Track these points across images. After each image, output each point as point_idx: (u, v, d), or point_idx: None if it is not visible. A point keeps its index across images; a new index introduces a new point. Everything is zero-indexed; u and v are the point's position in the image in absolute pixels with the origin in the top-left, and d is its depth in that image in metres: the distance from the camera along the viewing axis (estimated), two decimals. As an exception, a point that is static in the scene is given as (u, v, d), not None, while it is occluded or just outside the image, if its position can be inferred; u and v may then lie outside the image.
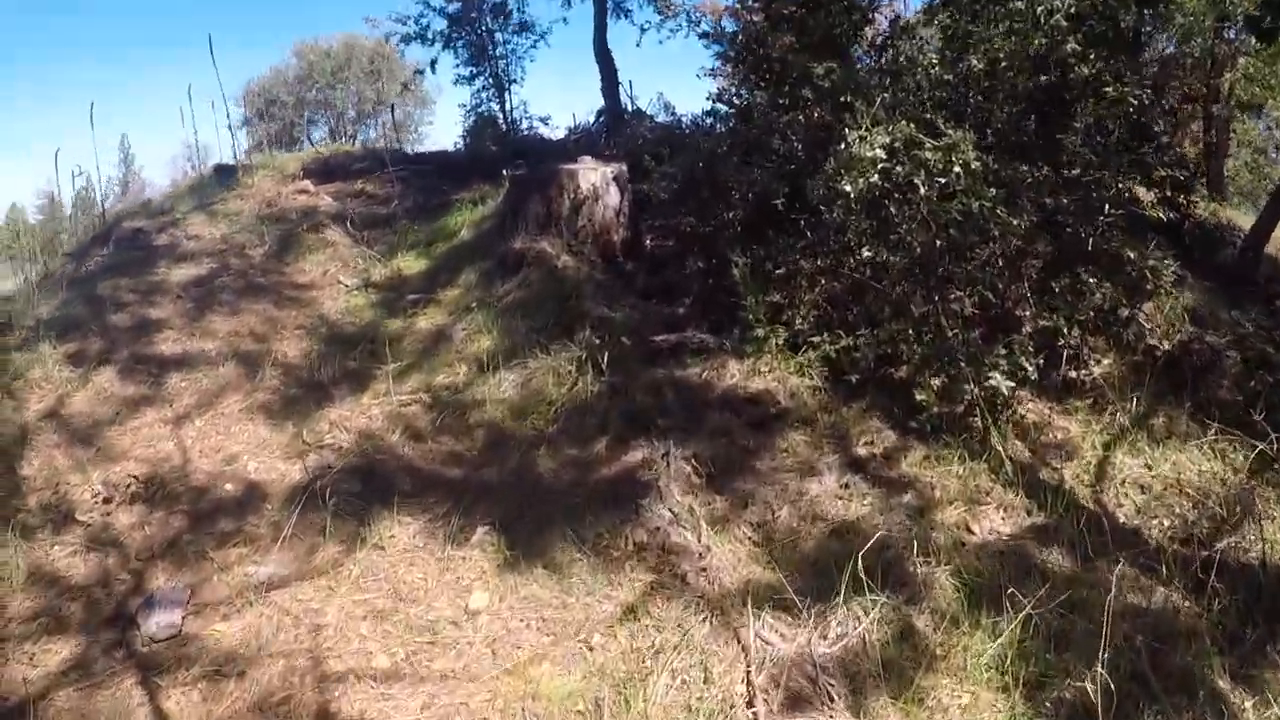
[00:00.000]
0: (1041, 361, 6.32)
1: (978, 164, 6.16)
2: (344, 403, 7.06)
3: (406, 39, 14.42)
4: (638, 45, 12.83)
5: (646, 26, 12.74)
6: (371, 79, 18.98)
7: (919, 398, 6.15)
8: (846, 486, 5.79)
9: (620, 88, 12.75)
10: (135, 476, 6.20)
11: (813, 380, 6.61)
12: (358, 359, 7.61)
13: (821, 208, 6.37)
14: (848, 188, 6.12)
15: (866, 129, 6.15)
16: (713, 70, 8.25)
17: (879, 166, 6.03)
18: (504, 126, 13.77)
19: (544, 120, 13.72)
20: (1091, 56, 6.80)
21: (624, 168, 8.47)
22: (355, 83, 20.08)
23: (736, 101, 7.82)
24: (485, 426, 6.48)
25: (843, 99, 6.68)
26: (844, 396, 6.53)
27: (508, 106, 14.43)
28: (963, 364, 6.04)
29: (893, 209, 6.34)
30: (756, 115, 7.35)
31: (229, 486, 6.21)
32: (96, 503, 6.02)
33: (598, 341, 6.83)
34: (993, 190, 6.25)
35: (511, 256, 8.07)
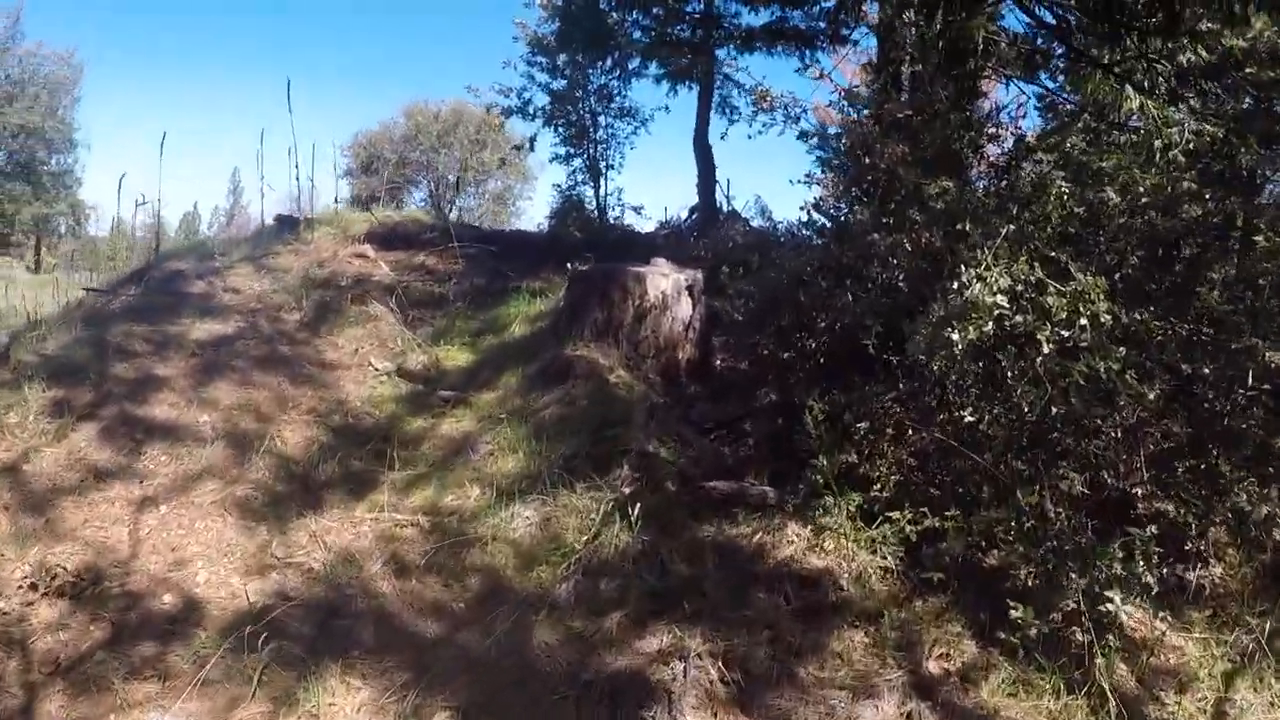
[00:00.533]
0: (1164, 570, 4.95)
1: (1108, 316, 4.92)
2: (333, 511, 6.12)
3: (508, 112, 13.96)
4: (723, 137, 11.79)
5: (735, 119, 11.88)
6: (476, 148, 18.62)
7: (1014, 614, 4.78)
8: (910, 717, 4.45)
9: (717, 185, 11.88)
10: (67, 567, 5.32)
11: (885, 560, 5.31)
12: (364, 458, 6.64)
13: (921, 356, 5.14)
14: (956, 336, 4.89)
15: (986, 266, 4.95)
16: (810, 176, 7.06)
17: (995, 314, 4.81)
18: (593, 212, 12.99)
19: (637, 210, 12.87)
20: (1206, 196, 5.61)
21: (699, 276, 7.42)
22: (459, 149, 19.77)
23: (834, 214, 6.68)
24: (483, 572, 5.37)
25: (958, 225, 5.49)
26: (920, 587, 5.20)
27: (602, 192, 13.69)
28: (1070, 567, 4.71)
29: (1006, 365, 5.11)
30: (854, 233, 6.20)
31: (168, 598, 5.29)
32: (21, 588, 5.17)
33: (637, 480, 5.69)
34: (1122, 349, 5.00)
35: (558, 364, 7.04)
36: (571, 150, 13.83)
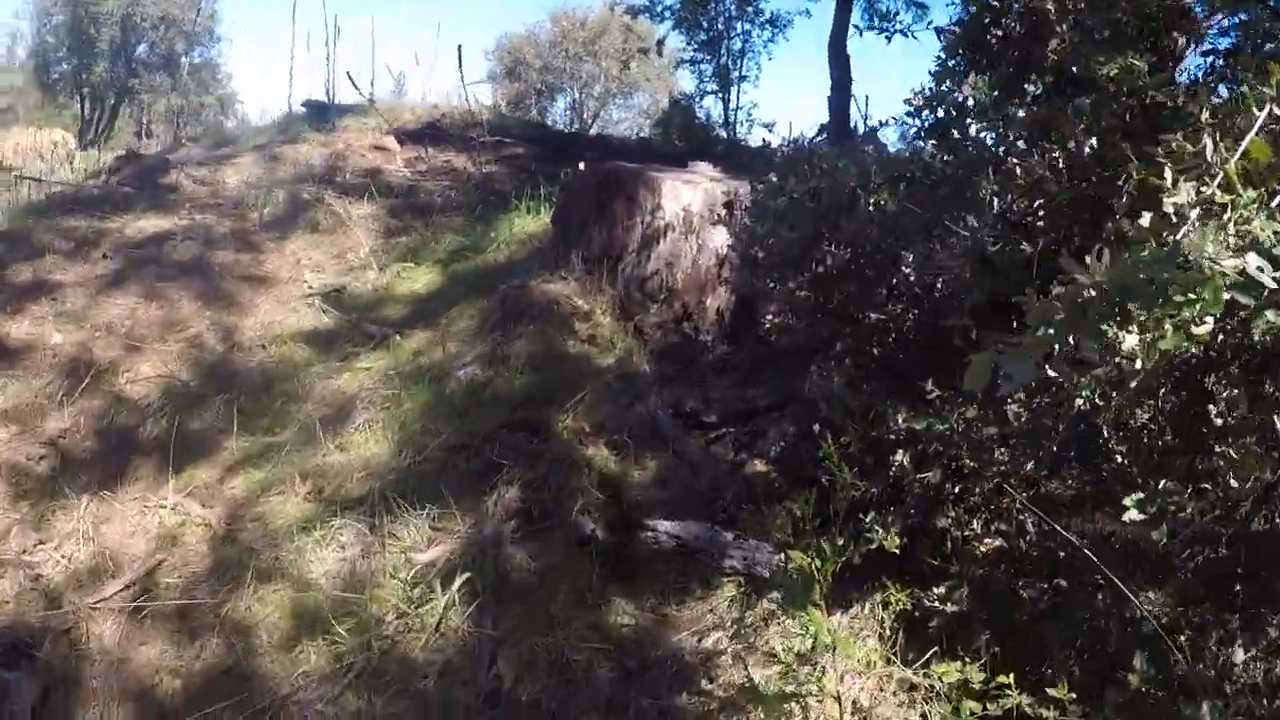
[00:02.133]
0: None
1: None
2: (130, 489, 4.35)
3: (633, 11, 11.78)
4: (860, 34, 8.85)
5: (883, 26, 8.94)
6: (640, 57, 16.44)
7: None
8: None
9: (853, 100, 9.10)
10: None
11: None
12: (214, 414, 4.74)
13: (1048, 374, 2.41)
14: (1133, 341, 2.14)
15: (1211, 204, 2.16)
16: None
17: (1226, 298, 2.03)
18: (705, 121, 10.63)
19: (767, 126, 10.46)
20: None
21: (744, 190, 4.87)
22: (604, 59, 17.65)
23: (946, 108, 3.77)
24: (233, 633, 3.27)
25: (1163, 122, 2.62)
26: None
27: (731, 104, 11.26)
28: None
29: (1227, 407, 2.41)
30: (968, 134, 3.40)
31: None
32: None
33: (526, 509, 3.40)
34: None
35: (511, 302, 4.78)
36: (700, 56, 11.52)
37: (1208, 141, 2.27)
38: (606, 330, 4.66)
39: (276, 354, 5.20)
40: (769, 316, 5.07)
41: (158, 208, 6.88)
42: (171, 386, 4.93)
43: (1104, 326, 2.11)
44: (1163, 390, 2.71)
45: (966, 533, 3.36)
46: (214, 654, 3.25)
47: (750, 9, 11.32)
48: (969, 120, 3.39)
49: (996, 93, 3.23)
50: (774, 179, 4.03)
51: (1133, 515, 2.42)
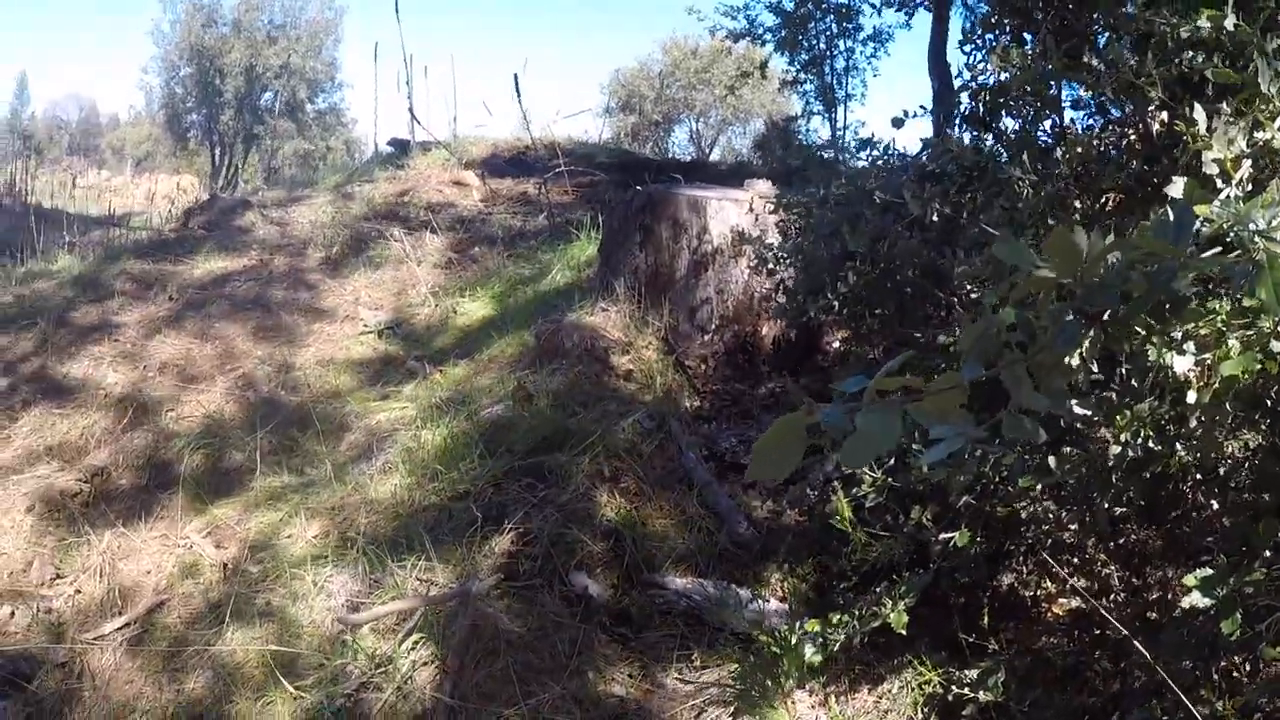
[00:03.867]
0: None
1: None
2: (157, 524, 4.41)
3: (734, 36, 11.72)
4: (960, 45, 8.32)
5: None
6: (741, 82, 16.39)
7: None
8: None
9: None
10: None
11: None
12: (251, 449, 4.76)
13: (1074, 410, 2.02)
14: (1183, 363, 1.75)
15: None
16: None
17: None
18: (805, 142, 10.40)
19: (870, 143, 9.99)
20: None
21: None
22: (718, 86, 17.58)
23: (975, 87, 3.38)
24: (222, 676, 3.25)
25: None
26: None
27: (839, 123, 11.00)
28: None
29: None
30: (999, 115, 3.05)
31: None
32: None
33: (516, 559, 3.22)
34: None
35: (545, 338, 4.63)
36: (804, 77, 11.32)
37: (1260, 64, 1.88)
38: (648, 364, 4.45)
39: (320, 391, 5.19)
40: (833, 344, 4.77)
41: (227, 248, 7.07)
42: (213, 424, 4.96)
43: (1157, 347, 1.76)
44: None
45: (1036, 593, 3.00)
46: (192, 695, 3.16)
47: (850, 26, 11.07)
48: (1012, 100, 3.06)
49: (1048, 64, 2.85)
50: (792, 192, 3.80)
51: (1195, 600, 2.04)
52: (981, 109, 3.16)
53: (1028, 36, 3.18)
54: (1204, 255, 1.08)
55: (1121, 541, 2.76)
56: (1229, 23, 1.99)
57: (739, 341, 4.71)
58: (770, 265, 3.74)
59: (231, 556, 3.94)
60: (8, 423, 5.06)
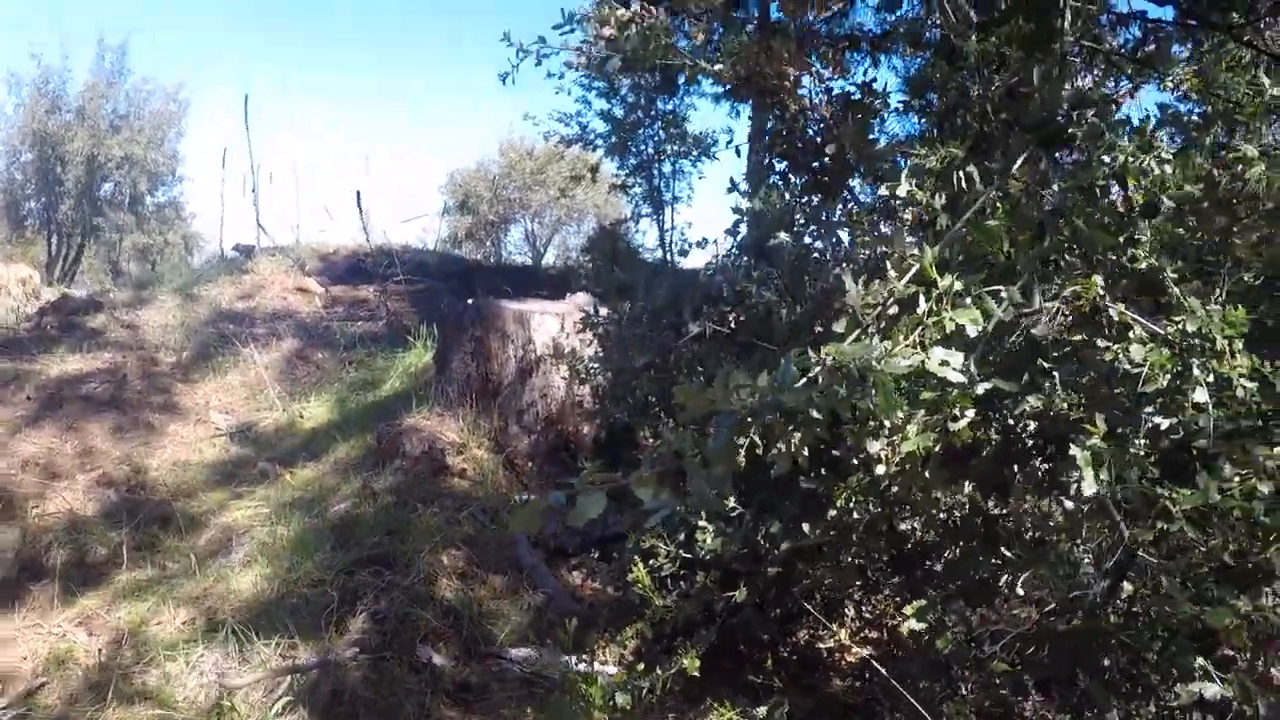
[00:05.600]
0: None
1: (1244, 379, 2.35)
2: (26, 615, 4.63)
3: (567, 141, 12.33)
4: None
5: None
6: (574, 185, 17.13)
7: None
8: None
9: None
10: None
11: None
12: (113, 546, 4.94)
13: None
14: (909, 446, 2.39)
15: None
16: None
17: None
18: (633, 245, 11.08)
19: (701, 244, 10.84)
20: None
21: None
22: (553, 188, 18.31)
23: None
24: None
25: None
26: None
27: (665, 225, 11.76)
28: None
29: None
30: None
31: None
32: None
33: (367, 641, 3.62)
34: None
35: (387, 439, 5.06)
36: (633, 181, 12.01)
37: (900, 229, 2.54)
38: (481, 463, 4.96)
39: (177, 490, 5.43)
40: (648, 440, 5.39)
41: (81, 349, 7.19)
42: (76, 520, 5.15)
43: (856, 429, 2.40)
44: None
45: (830, 644, 3.63)
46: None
47: (676, 131, 11.73)
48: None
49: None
50: (593, 309, 4.42)
51: (913, 625, 2.70)
52: (751, 239, 3.89)
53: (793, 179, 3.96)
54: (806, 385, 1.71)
55: (882, 591, 3.45)
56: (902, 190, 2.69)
57: (563, 440, 5.28)
58: (581, 375, 4.34)
59: (104, 642, 4.19)
60: None
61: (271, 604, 4.09)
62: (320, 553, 4.32)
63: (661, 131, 11.92)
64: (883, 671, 2.97)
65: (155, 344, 7.31)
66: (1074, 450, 2.04)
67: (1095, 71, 4.91)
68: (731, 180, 4.16)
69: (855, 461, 2.78)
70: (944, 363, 1.69)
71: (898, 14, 7.49)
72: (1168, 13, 3.90)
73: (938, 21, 4.34)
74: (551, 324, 5.28)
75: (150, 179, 21.69)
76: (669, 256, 11.28)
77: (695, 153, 12.06)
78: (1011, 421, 2.41)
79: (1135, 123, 2.66)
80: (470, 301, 5.82)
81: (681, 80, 11.07)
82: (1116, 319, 2.21)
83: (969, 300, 1.83)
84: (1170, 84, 4.14)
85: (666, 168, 12.19)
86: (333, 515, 4.62)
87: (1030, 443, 2.39)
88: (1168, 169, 2.37)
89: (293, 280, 8.42)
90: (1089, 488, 2.03)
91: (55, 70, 21.33)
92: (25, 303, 11.12)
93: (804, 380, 1.77)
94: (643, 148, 12.03)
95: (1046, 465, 2.35)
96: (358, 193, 8.56)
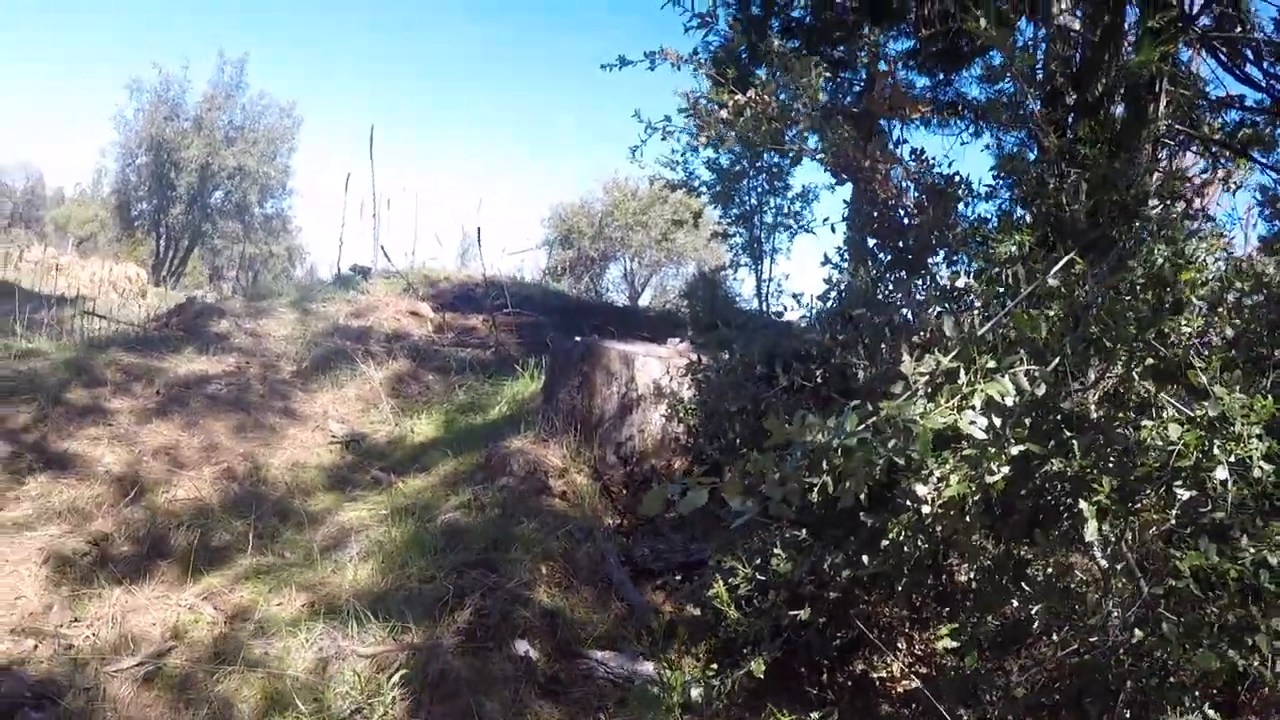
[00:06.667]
0: None
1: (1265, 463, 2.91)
2: (156, 586, 5.34)
3: (672, 186, 13.13)
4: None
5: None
6: (675, 229, 17.99)
7: None
8: None
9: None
10: None
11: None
12: (236, 533, 5.80)
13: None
14: (951, 491, 3.12)
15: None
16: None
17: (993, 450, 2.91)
18: (725, 294, 11.76)
19: (796, 297, 11.45)
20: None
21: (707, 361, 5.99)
22: (654, 229, 19.23)
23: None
24: (225, 707, 4.28)
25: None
26: None
27: (763, 276, 12.42)
28: None
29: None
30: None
31: None
32: None
33: (472, 633, 4.34)
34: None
35: (495, 458, 5.82)
36: (735, 231, 12.71)
37: (947, 321, 3.27)
38: (579, 488, 5.68)
39: (295, 488, 6.27)
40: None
41: (207, 351, 8.18)
42: (202, 507, 5.99)
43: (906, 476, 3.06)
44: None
45: (883, 674, 4.24)
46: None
47: (780, 184, 12.21)
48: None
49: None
50: (697, 357, 5.13)
51: (947, 643, 3.33)
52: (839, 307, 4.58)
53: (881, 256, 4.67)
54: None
55: (931, 629, 4.06)
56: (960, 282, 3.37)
57: (655, 473, 5.95)
58: (679, 415, 5.03)
59: (227, 615, 4.95)
60: (16, 486, 6.01)
61: (385, 594, 4.84)
62: (431, 553, 5.07)
63: (765, 183, 12.63)
64: (933, 700, 3.56)
65: (276, 352, 8.27)
66: (1081, 504, 2.67)
67: (1189, 153, 5.55)
68: (825, 255, 4.87)
69: (907, 502, 3.42)
70: (972, 423, 2.37)
71: (998, 87, 8.20)
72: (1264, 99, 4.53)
73: (1037, 96, 5.04)
74: (654, 366, 6.00)
75: (260, 190, 23.49)
76: (764, 306, 11.95)
77: (797, 206, 12.74)
78: (1040, 480, 3.04)
79: (1210, 215, 3.32)
80: (579, 339, 6.58)
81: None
82: (1149, 400, 2.83)
83: (1004, 376, 2.51)
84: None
85: (768, 218, 12.91)
86: (443, 522, 5.38)
87: (1054, 500, 3.01)
88: (1206, 272, 3.02)
89: (406, 304, 9.36)
90: (1090, 535, 2.64)
91: (175, 79, 23.40)
92: (133, 299, 12.37)
93: (861, 427, 2.51)
94: (745, 198, 12.76)
95: (1068, 520, 2.97)
96: (478, 229, 9.55)
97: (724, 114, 5.75)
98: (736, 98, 5.32)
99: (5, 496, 5.89)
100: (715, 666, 3.96)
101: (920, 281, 4.46)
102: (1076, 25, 5.11)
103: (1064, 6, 5.17)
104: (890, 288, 4.56)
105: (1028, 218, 4.25)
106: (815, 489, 2.49)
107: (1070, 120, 4.83)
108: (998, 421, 2.65)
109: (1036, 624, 3.29)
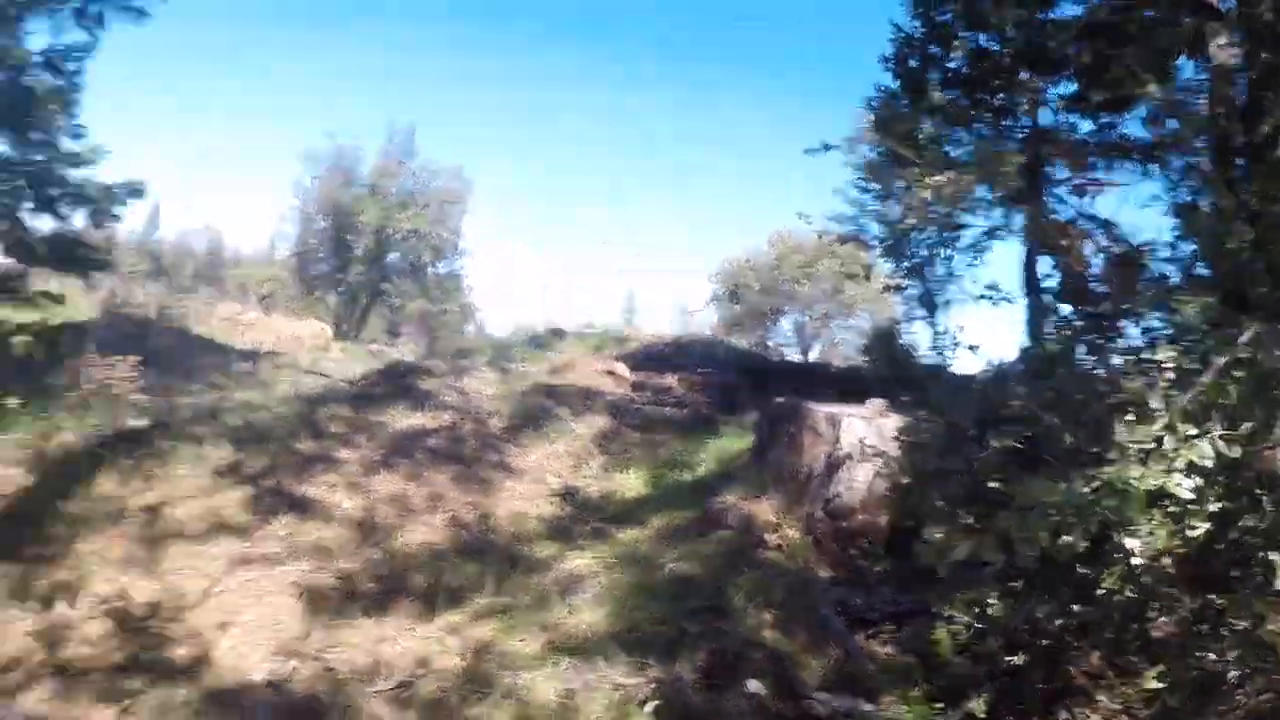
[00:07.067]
0: None
1: None
2: (399, 619, 5.99)
3: (843, 239, 13.57)
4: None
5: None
6: (842, 280, 18.35)
7: None
8: None
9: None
10: (135, 598, 5.80)
11: None
12: (469, 575, 6.44)
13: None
14: (1159, 544, 3.55)
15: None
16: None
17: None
18: (909, 347, 12.01)
19: (972, 349, 11.62)
20: None
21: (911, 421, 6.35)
22: (825, 281, 19.59)
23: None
24: None
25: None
26: None
27: (937, 328, 12.64)
28: None
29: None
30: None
31: (183, 650, 5.42)
32: (91, 602, 5.77)
33: (706, 674, 4.83)
34: None
35: (711, 512, 6.30)
36: (908, 283, 12.95)
37: (1153, 396, 3.62)
38: (791, 541, 6.10)
39: (519, 536, 6.88)
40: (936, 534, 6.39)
41: (421, 408, 8.95)
42: (435, 550, 6.64)
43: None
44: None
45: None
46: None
47: (951, 235, 12.35)
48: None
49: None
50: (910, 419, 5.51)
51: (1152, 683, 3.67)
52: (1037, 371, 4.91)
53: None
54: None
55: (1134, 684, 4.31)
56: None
57: (863, 528, 6.31)
58: (886, 474, 5.42)
59: (469, 649, 5.51)
60: (264, 524, 6.76)
61: (619, 634, 5.33)
62: (659, 599, 5.56)
63: (937, 234, 12.75)
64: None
65: (486, 409, 8.99)
66: (1273, 556, 3.00)
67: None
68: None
69: (1118, 555, 3.73)
70: (1179, 484, 2.80)
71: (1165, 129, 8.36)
72: None
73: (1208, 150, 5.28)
74: (859, 425, 6.39)
75: (434, 251, 25.01)
76: (942, 357, 12.04)
77: (970, 255, 12.77)
78: (1236, 535, 3.36)
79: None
80: (783, 400, 7.05)
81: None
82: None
83: (1203, 441, 2.93)
84: None
85: (939, 269, 13.02)
86: (668, 570, 5.87)
87: (1248, 554, 3.34)
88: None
89: (600, 363, 10.02)
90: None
91: (348, 149, 25.31)
92: (323, 355, 13.40)
93: (1087, 489, 2.99)
94: (916, 250, 12.95)
95: (1261, 573, 3.29)
96: (684, 309, 10.11)
97: (925, 194, 6.18)
98: (935, 178, 5.75)
99: (255, 535, 6.68)
100: (937, 706, 4.30)
101: (1112, 342, 4.77)
102: (1236, 62, 5.29)
103: (1221, 43, 5.36)
104: (1084, 350, 4.89)
105: (1209, 273, 4.55)
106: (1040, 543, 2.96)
107: (1243, 163, 5.05)
108: (1199, 481, 3.08)
109: (1233, 672, 3.58)
